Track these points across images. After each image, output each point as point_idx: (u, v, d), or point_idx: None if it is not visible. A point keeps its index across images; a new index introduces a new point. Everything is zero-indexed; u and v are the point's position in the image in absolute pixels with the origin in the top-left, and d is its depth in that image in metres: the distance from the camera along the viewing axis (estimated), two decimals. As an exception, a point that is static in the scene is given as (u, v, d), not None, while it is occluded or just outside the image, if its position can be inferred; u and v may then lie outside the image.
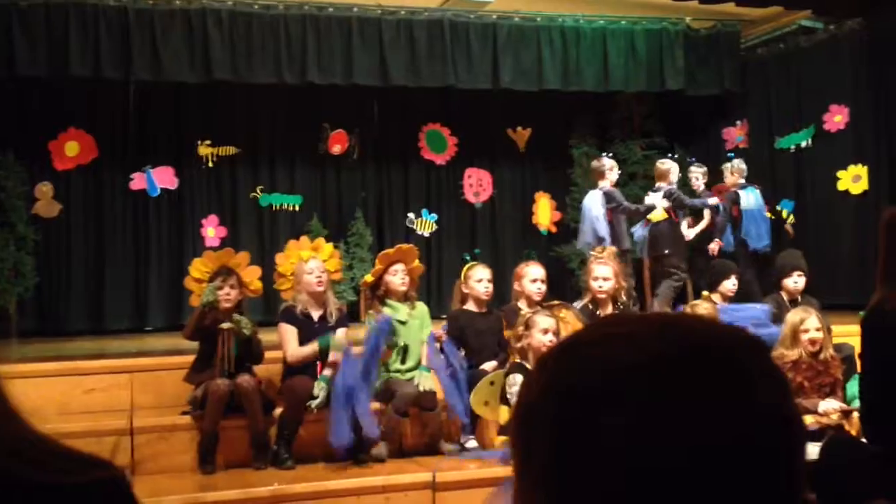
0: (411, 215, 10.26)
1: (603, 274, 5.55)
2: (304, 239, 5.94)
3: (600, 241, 7.45)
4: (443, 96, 9.82)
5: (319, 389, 5.01)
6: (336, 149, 10.03)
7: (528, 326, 4.89)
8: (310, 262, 5.35)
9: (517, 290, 5.66)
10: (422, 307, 5.60)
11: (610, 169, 8.05)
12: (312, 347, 5.16)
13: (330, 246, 5.85)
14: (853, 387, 5.14)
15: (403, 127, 10.24)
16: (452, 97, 9.83)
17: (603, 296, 5.57)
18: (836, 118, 9.28)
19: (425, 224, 10.29)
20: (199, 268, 5.35)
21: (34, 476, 0.92)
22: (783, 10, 9.13)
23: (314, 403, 4.98)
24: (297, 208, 9.93)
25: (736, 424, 0.70)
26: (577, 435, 0.71)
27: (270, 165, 9.94)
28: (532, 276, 5.59)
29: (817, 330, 5.08)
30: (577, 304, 5.79)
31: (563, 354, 0.77)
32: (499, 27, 9.43)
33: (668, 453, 0.68)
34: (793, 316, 5.21)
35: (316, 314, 5.34)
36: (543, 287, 5.60)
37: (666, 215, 7.92)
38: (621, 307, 5.61)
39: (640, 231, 8.17)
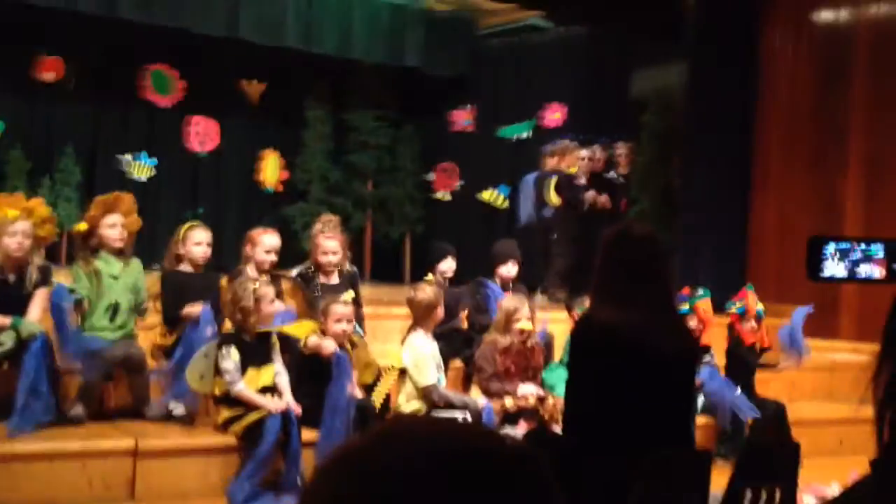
0: (128, 156, 9.64)
1: (332, 248, 5.58)
2: (20, 196, 5.29)
3: None
4: (175, 37, 9.29)
5: (7, 337, 4.63)
6: (49, 76, 9.21)
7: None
8: (16, 224, 4.84)
9: (248, 254, 5.50)
10: (136, 264, 5.31)
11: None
12: (4, 321, 4.72)
13: (46, 210, 5.21)
14: (550, 374, 5.56)
15: (128, 63, 9.59)
16: (186, 40, 9.35)
17: (331, 268, 5.60)
18: (555, 115, 9.89)
19: (142, 168, 9.72)
20: None
21: None
22: (518, 6, 9.55)
23: None
24: (-3, 135, 9.01)
25: None
26: None
27: (-30, 84, 8.94)
28: (267, 246, 5.48)
29: (528, 319, 5.41)
30: (297, 269, 5.76)
31: (334, 465, 0.76)
32: (243, -25, 9.10)
33: None
34: (508, 303, 5.50)
35: (12, 276, 4.88)
36: (276, 258, 5.52)
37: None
38: (347, 272, 5.68)
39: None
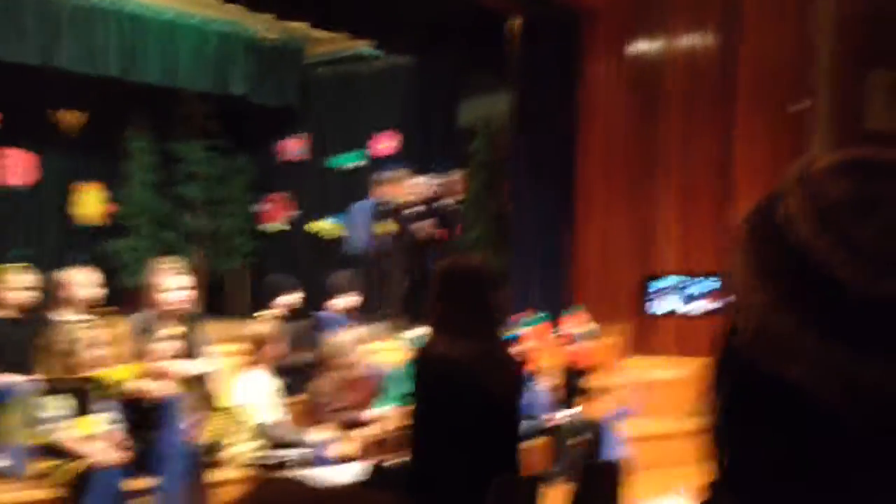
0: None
1: (179, 284, 5.38)
2: None
3: None
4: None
5: None
6: None
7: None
8: None
9: (64, 297, 5.24)
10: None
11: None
12: None
13: None
14: (384, 405, 5.61)
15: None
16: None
17: (173, 307, 5.38)
18: (386, 144, 9.99)
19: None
20: None
21: None
22: (346, 35, 9.60)
23: None
24: None
25: None
26: None
27: None
28: (90, 281, 5.26)
29: (361, 350, 5.44)
30: (140, 315, 5.55)
31: None
32: (59, 3, 8.75)
33: None
34: (339, 336, 5.50)
35: None
36: (101, 291, 5.31)
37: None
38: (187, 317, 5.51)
39: None
